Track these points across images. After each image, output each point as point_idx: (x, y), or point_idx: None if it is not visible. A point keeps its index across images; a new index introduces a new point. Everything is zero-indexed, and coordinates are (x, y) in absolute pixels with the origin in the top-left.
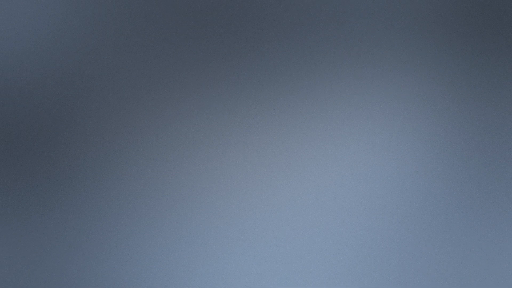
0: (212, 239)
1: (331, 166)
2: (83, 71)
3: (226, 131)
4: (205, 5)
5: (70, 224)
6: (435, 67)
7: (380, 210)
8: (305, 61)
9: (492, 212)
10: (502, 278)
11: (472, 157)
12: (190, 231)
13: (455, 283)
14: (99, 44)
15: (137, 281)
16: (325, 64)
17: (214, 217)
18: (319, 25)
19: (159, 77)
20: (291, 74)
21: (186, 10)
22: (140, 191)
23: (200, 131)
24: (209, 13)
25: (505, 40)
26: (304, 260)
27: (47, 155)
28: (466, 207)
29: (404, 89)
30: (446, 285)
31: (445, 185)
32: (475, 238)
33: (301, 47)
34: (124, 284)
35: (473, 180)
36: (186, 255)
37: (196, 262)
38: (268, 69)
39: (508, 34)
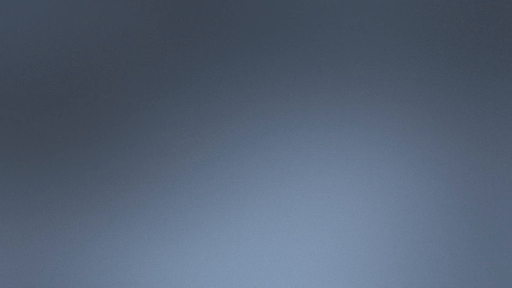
0: (211, 239)
1: (330, 167)
2: (83, 71)
3: (226, 132)
4: (207, 6)
5: (70, 223)
6: (437, 70)
7: (379, 212)
8: (304, 64)
9: (493, 214)
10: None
11: (472, 159)
12: (190, 232)
13: None
14: (99, 44)
15: (137, 281)
16: (325, 68)
17: (214, 217)
18: (319, 28)
19: (159, 76)
20: (292, 77)
21: (189, 12)
22: (140, 190)
23: (200, 131)
24: (210, 15)
25: (504, 41)
26: (303, 261)
27: (46, 154)
28: (465, 210)
29: (404, 91)
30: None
31: (445, 186)
32: (476, 239)
33: (301, 50)
34: (124, 283)
35: (473, 181)
36: (186, 255)
37: (195, 262)
38: (268, 70)
39: (507, 35)
